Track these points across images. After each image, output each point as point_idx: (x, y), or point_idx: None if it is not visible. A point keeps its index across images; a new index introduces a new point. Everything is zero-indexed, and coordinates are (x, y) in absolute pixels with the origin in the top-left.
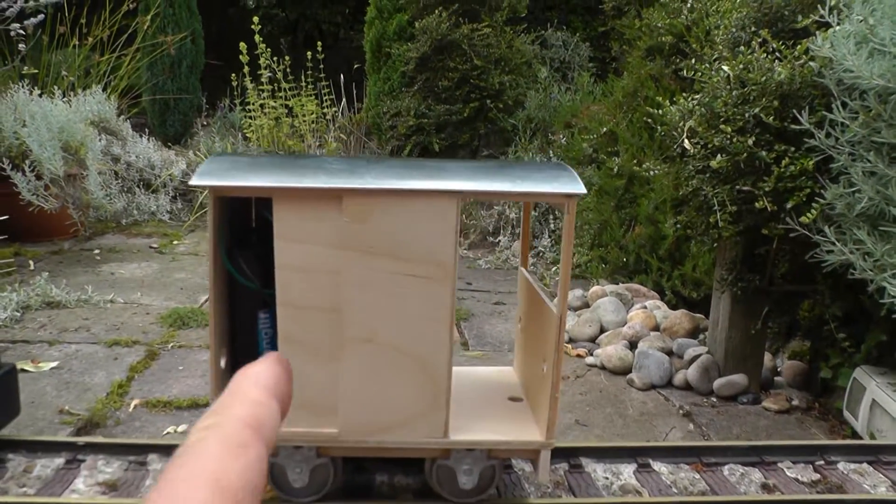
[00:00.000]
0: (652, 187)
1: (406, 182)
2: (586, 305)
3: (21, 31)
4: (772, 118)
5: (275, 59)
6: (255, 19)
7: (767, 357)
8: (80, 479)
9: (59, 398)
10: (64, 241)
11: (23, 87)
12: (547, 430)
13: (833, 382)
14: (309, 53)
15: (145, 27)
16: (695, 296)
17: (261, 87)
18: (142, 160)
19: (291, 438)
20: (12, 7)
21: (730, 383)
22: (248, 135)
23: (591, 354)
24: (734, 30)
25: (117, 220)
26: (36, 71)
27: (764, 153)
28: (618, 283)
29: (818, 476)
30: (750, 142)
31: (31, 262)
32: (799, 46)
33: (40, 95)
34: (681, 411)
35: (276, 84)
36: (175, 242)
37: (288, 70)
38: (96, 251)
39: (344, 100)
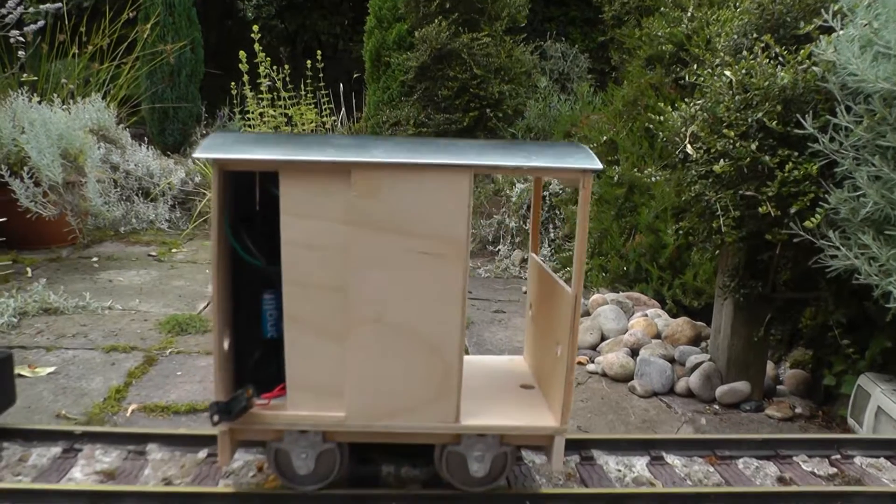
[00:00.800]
0: (652, 195)
1: (417, 156)
2: (587, 314)
3: (20, 39)
4: (775, 123)
5: (274, 67)
6: (255, 28)
7: (770, 366)
8: (77, 468)
9: (56, 403)
10: (62, 249)
11: (22, 94)
12: (561, 416)
13: (836, 390)
14: (308, 62)
15: (145, 36)
16: (696, 305)
17: (260, 96)
18: (141, 169)
19: (297, 422)
20: (12, 14)
21: (732, 391)
22: None
23: (593, 362)
24: (736, 36)
25: (116, 229)
26: (35, 78)
27: (767, 158)
28: (618, 292)
29: (834, 470)
30: (753, 146)
31: (28, 270)
32: (802, 51)
33: (39, 103)
34: (683, 418)
35: (275, 93)
36: (174, 250)
37: (287, 79)
38: (94, 259)
39: (343, 109)
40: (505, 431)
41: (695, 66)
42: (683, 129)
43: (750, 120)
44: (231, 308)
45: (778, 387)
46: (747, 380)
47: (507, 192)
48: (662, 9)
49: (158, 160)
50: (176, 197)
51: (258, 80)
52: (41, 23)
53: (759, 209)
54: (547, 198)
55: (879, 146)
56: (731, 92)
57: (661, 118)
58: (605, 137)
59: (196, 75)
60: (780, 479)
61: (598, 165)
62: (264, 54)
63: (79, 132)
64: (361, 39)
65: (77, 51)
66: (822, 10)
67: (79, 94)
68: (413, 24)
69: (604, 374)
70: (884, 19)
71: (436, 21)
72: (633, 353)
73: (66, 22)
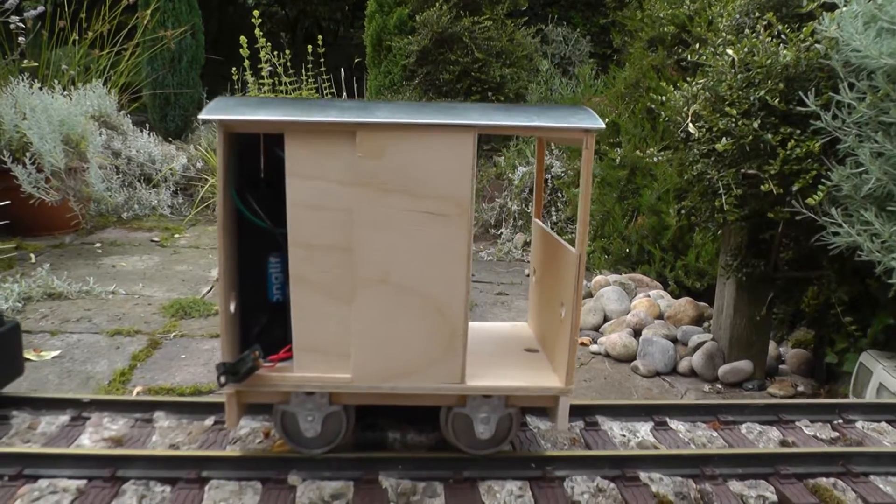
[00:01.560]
0: (654, 176)
1: (421, 117)
2: (589, 295)
3: (20, 25)
4: (777, 101)
5: (275, 53)
6: (256, 13)
7: (772, 345)
8: (85, 435)
9: (62, 386)
10: (65, 235)
11: (23, 80)
12: (566, 376)
13: (839, 368)
14: (309, 47)
15: (145, 22)
16: (698, 286)
17: (261, 82)
18: (142, 155)
19: (303, 384)
20: (11, 0)
21: (735, 370)
22: None
23: (595, 343)
24: (738, 16)
25: (118, 215)
26: (36, 64)
27: (769, 136)
28: (621, 274)
29: (836, 434)
30: (755, 125)
31: (32, 256)
32: (805, 28)
33: (40, 89)
34: (686, 398)
35: (276, 78)
36: (176, 236)
37: (288, 64)
38: (97, 244)
39: (345, 94)
40: (510, 392)
41: (697, 46)
42: (685, 109)
43: (752, 98)
44: (237, 271)
45: (780, 366)
46: (750, 359)
47: (510, 175)
48: None
49: (160, 146)
50: (178, 183)
51: (259, 66)
52: (40, 9)
53: (762, 187)
54: (548, 181)
55: (882, 122)
56: (733, 70)
57: (664, 98)
58: (607, 120)
59: (197, 61)
60: (783, 443)
61: (601, 125)
62: (265, 40)
63: (80, 118)
64: (363, 25)
65: (77, 37)
66: None
67: (80, 81)
68: (414, 7)
69: (607, 355)
70: None
71: (437, 5)
72: (636, 333)
73: (66, 8)
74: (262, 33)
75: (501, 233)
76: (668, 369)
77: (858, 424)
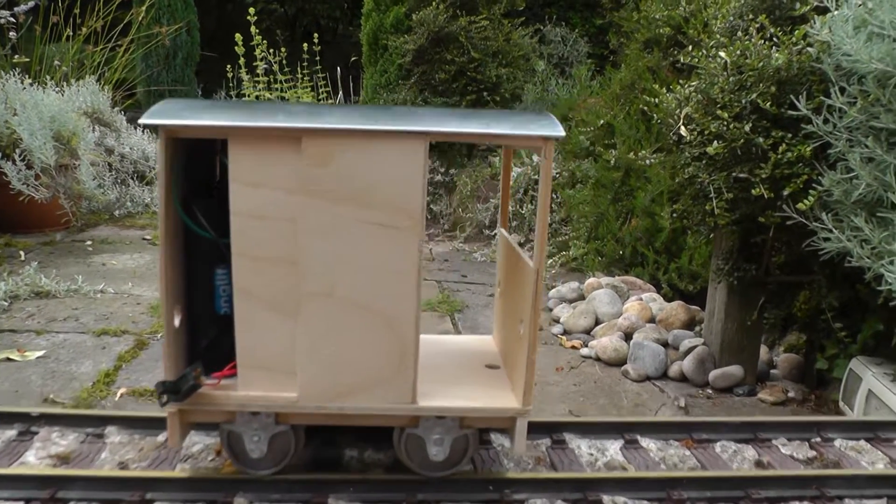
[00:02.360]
0: (648, 178)
1: (370, 122)
2: (582, 297)
3: (11, 19)
4: (769, 104)
5: (271, 50)
6: (252, 10)
7: (763, 350)
8: (31, 451)
9: (45, 387)
10: (56, 233)
11: (14, 76)
12: (524, 396)
13: (829, 374)
14: (305, 45)
15: (140, 18)
16: (691, 289)
17: (256, 79)
18: (136, 152)
19: (247, 403)
20: None
21: (725, 375)
22: None
23: (586, 346)
24: (732, 18)
25: (110, 212)
26: (27, 59)
27: (761, 139)
28: (614, 276)
29: (814, 453)
30: (747, 128)
31: (21, 253)
32: (797, 32)
33: (31, 85)
34: (676, 402)
35: (271, 76)
36: None
37: (284, 62)
38: (88, 242)
39: (341, 92)
40: (464, 413)
41: (690, 48)
42: (678, 111)
43: (744, 101)
44: (183, 283)
45: (771, 371)
46: (740, 364)
47: None
48: None
49: (154, 143)
50: None
51: (255, 64)
52: (32, 3)
53: (753, 191)
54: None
55: (873, 127)
56: (725, 73)
57: (657, 100)
58: (602, 121)
59: (192, 58)
60: (758, 464)
61: (561, 133)
62: (261, 37)
63: (72, 115)
64: (360, 23)
65: (71, 33)
66: None
67: (73, 77)
68: (411, 6)
69: (597, 359)
70: None
71: (433, 4)
72: (627, 337)
73: (60, 4)
74: (258, 31)
75: (495, 234)
76: (659, 374)
77: (837, 443)
